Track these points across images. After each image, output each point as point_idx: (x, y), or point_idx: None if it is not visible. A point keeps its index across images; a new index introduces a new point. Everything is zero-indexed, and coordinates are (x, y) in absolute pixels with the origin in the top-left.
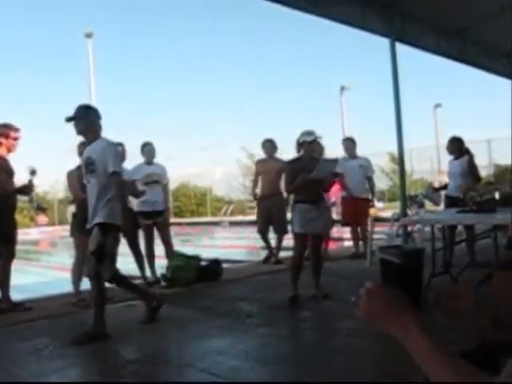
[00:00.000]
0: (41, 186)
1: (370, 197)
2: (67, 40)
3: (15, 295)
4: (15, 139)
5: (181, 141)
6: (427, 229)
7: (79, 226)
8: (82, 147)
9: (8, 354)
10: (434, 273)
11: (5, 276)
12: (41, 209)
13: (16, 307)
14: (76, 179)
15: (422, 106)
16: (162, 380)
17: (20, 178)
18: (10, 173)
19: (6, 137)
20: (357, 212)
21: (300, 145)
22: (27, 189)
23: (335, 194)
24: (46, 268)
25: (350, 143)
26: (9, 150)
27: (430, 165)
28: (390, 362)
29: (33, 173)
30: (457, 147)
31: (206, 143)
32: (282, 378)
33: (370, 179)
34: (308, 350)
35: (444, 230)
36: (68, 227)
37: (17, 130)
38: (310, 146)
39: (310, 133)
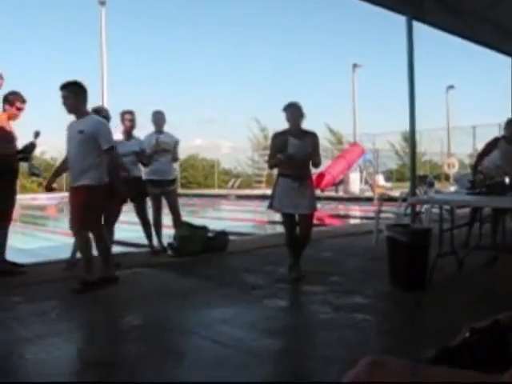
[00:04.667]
0: (49, 152)
1: None
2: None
3: (22, 259)
4: (18, 109)
5: (186, 112)
6: (436, 210)
7: None
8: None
9: (15, 314)
10: (440, 253)
11: (4, 239)
12: (34, 175)
13: (13, 268)
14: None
15: (434, 87)
16: (166, 346)
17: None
18: (10, 140)
19: (11, 104)
20: None
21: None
22: (27, 149)
23: (343, 171)
24: (52, 233)
25: None
26: (9, 118)
27: (440, 147)
28: (394, 338)
29: (37, 135)
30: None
31: (212, 115)
32: (284, 349)
33: None
34: (311, 323)
35: (452, 212)
36: None
37: (23, 101)
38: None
39: (290, 105)
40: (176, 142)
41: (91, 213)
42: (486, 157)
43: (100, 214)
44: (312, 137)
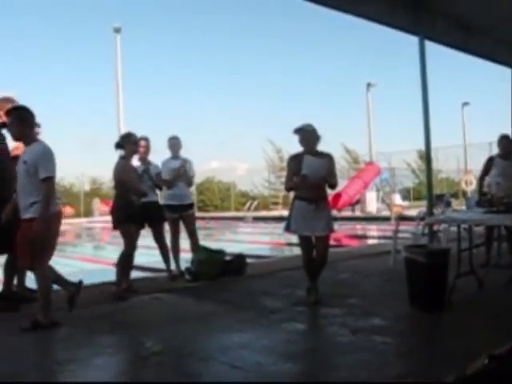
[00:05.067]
0: (66, 179)
1: None
2: (95, 34)
3: None
4: (36, 134)
5: (201, 135)
6: (453, 229)
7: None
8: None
9: (34, 341)
10: (459, 273)
11: None
12: None
13: (32, 295)
14: (134, 171)
15: (449, 104)
16: (185, 371)
17: None
18: None
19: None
20: None
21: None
22: None
23: (360, 191)
24: (71, 259)
25: None
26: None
27: (457, 164)
28: (413, 360)
29: None
30: (507, 146)
31: (227, 137)
32: (304, 373)
33: None
34: (330, 346)
35: (470, 230)
36: (94, 219)
37: (38, 125)
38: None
39: (300, 128)
40: (189, 164)
41: (36, 248)
42: (486, 176)
43: (45, 250)
44: (328, 158)
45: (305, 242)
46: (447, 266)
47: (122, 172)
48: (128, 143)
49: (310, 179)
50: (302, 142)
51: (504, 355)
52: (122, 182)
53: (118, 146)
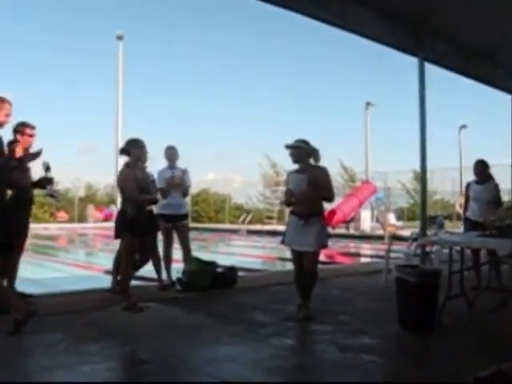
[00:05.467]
0: (61, 183)
1: None
2: (97, 41)
3: (31, 289)
4: (30, 136)
5: (198, 147)
6: (445, 250)
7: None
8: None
9: (21, 346)
10: (449, 295)
11: (15, 268)
12: (51, 196)
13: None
14: (133, 180)
15: (447, 127)
16: (172, 382)
17: (36, 174)
18: (25, 169)
19: (22, 133)
20: None
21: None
22: (43, 181)
23: (354, 209)
24: (63, 264)
25: None
26: (24, 147)
27: (452, 186)
28: (400, 381)
29: (47, 169)
30: (482, 171)
31: (224, 150)
32: None
33: None
34: (318, 363)
35: (462, 253)
36: (88, 225)
37: (32, 127)
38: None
39: (292, 143)
40: (186, 174)
41: None
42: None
43: None
44: (318, 171)
45: (295, 257)
46: (438, 287)
47: (122, 180)
48: (134, 149)
49: (295, 194)
50: (291, 157)
51: (488, 379)
52: (120, 190)
53: (123, 151)
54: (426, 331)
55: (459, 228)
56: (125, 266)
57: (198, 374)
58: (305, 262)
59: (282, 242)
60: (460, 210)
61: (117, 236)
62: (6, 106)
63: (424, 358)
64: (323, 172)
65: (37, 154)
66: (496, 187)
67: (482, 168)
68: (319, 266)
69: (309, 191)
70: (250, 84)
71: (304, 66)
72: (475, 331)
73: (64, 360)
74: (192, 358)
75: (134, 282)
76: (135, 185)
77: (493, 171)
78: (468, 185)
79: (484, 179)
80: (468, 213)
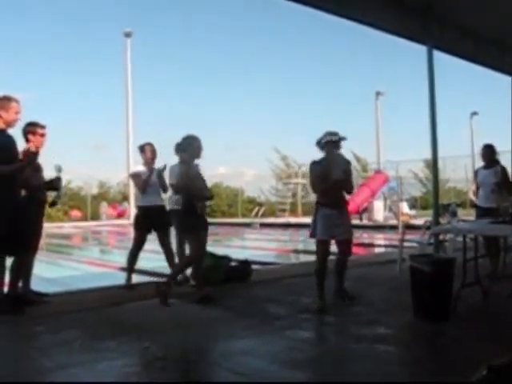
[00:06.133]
0: (74, 182)
1: None
2: (105, 38)
3: (46, 288)
4: (42, 135)
5: (209, 141)
6: (459, 238)
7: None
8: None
9: (38, 344)
10: (464, 283)
11: (29, 268)
12: (53, 204)
13: (37, 298)
14: (198, 176)
15: (459, 114)
16: (188, 376)
17: (48, 174)
18: (36, 168)
19: (34, 133)
20: None
21: (325, 144)
22: (54, 183)
23: (367, 199)
24: (77, 262)
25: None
26: (36, 146)
27: (465, 174)
28: (415, 370)
29: (59, 170)
30: (488, 155)
31: (234, 143)
32: (306, 380)
33: None
34: (334, 355)
35: (476, 241)
36: (101, 222)
37: (43, 127)
38: (335, 145)
39: (334, 133)
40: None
41: None
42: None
43: None
44: (347, 164)
45: (323, 247)
46: (452, 275)
47: (187, 178)
48: (190, 147)
49: (334, 182)
50: (337, 148)
51: (502, 366)
52: (186, 188)
53: (179, 149)
54: (441, 320)
55: (472, 215)
56: (198, 260)
57: (214, 368)
58: (342, 248)
59: (314, 236)
60: (473, 197)
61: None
62: (14, 104)
63: (438, 346)
64: (350, 165)
65: (35, 155)
66: (504, 171)
67: (488, 153)
68: (331, 256)
69: (345, 179)
70: (258, 75)
71: (313, 56)
72: (490, 319)
73: (80, 357)
74: (207, 353)
75: (148, 278)
76: (202, 181)
77: (505, 157)
78: (476, 171)
79: (491, 164)
80: (478, 200)
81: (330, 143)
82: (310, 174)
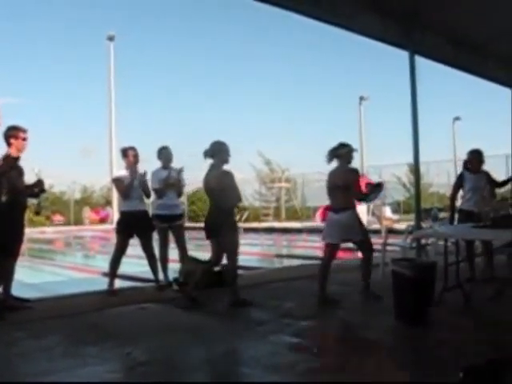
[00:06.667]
0: (57, 186)
1: None
2: (88, 42)
3: (28, 293)
4: (24, 139)
5: (192, 145)
6: (441, 242)
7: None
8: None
9: (19, 350)
10: (446, 287)
11: (10, 273)
12: (36, 213)
13: (18, 303)
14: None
15: (441, 119)
16: (170, 383)
17: (29, 179)
18: (20, 172)
19: (16, 138)
20: None
21: (340, 154)
22: (37, 187)
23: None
24: (60, 267)
25: None
26: (18, 150)
27: (447, 178)
28: (399, 374)
29: (38, 175)
30: (477, 160)
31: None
32: None
33: None
34: (318, 360)
35: (458, 245)
36: (84, 227)
37: (24, 131)
38: (350, 155)
39: (348, 144)
40: (180, 174)
41: None
42: (459, 192)
43: None
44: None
45: (332, 249)
46: (434, 279)
47: (226, 183)
48: (220, 152)
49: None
50: (352, 158)
51: (480, 369)
52: (222, 191)
53: (208, 154)
54: (423, 324)
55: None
56: (234, 261)
57: (196, 373)
58: (364, 247)
59: (332, 240)
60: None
61: (210, 236)
62: None
63: (420, 349)
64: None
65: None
66: (488, 175)
67: (476, 158)
68: (318, 261)
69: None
70: (243, 79)
71: (297, 60)
72: (473, 322)
73: (62, 363)
74: (190, 358)
75: (130, 283)
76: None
77: (488, 162)
78: (461, 175)
79: (479, 169)
80: (463, 204)
81: (351, 152)
82: (358, 180)
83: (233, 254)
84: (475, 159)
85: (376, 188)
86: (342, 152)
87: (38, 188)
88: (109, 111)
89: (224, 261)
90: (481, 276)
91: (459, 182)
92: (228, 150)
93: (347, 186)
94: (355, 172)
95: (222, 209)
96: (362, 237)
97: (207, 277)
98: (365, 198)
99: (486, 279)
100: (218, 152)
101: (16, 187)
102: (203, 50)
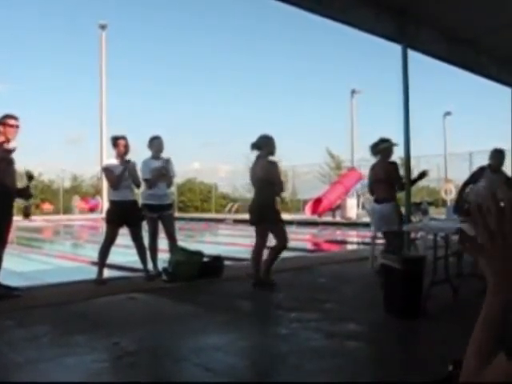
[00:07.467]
0: (46, 174)
1: None
2: (80, 30)
3: (17, 282)
4: (12, 126)
5: (184, 136)
6: (430, 236)
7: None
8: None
9: (6, 339)
10: (434, 281)
11: None
12: (26, 214)
13: (7, 292)
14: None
15: (433, 113)
16: (158, 373)
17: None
18: (9, 162)
19: (4, 125)
20: None
21: (380, 149)
22: (26, 192)
23: (340, 197)
24: (48, 256)
25: None
26: (7, 139)
27: (437, 173)
28: (385, 367)
29: (30, 178)
30: (499, 160)
31: (209, 139)
32: (279, 377)
33: None
34: (305, 351)
35: (447, 239)
36: (73, 216)
37: (16, 118)
38: (391, 149)
39: (388, 139)
40: (170, 164)
41: None
42: (471, 185)
43: None
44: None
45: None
46: (422, 273)
47: (274, 173)
48: (267, 145)
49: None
50: (391, 154)
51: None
52: (268, 182)
53: (255, 146)
54: (412, 317)
55: (444, 214)
56: (284, 248)
57: (184, 363)
58: (389, 239)
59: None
60: (445, 197)
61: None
62: None
63: (410, 343)
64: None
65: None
66: (506, 176)
67: (499, 157)
68: (307, 254)
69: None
70: (234, 72)
71: (289, 53)
72: (460, 316)
73: (49, 352)
74: (178, 348)
75: (120, 273)
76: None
77: (477, 158)
78: (482, 169)
79: (499, 169)
80: (469, 197)
81: (391, 147)
82: (398, 172)
83: (283, 239)
84: (498, 158)
85: (422, 176)
86: (382, 147)
87: (26, 193)
88: (100, 100)
89: (213, 252)
90: (470, 271)
91: (478, 175)
92: (274, 143)
93: (389, 178)
94: (395, 165)
95: (267, 197)
96: (397, 229)
97: (196, 268)
98: (410, 185)
99: (475, 274)
100: (264, 144)
101: (5, 176)
102: (194, 40)
